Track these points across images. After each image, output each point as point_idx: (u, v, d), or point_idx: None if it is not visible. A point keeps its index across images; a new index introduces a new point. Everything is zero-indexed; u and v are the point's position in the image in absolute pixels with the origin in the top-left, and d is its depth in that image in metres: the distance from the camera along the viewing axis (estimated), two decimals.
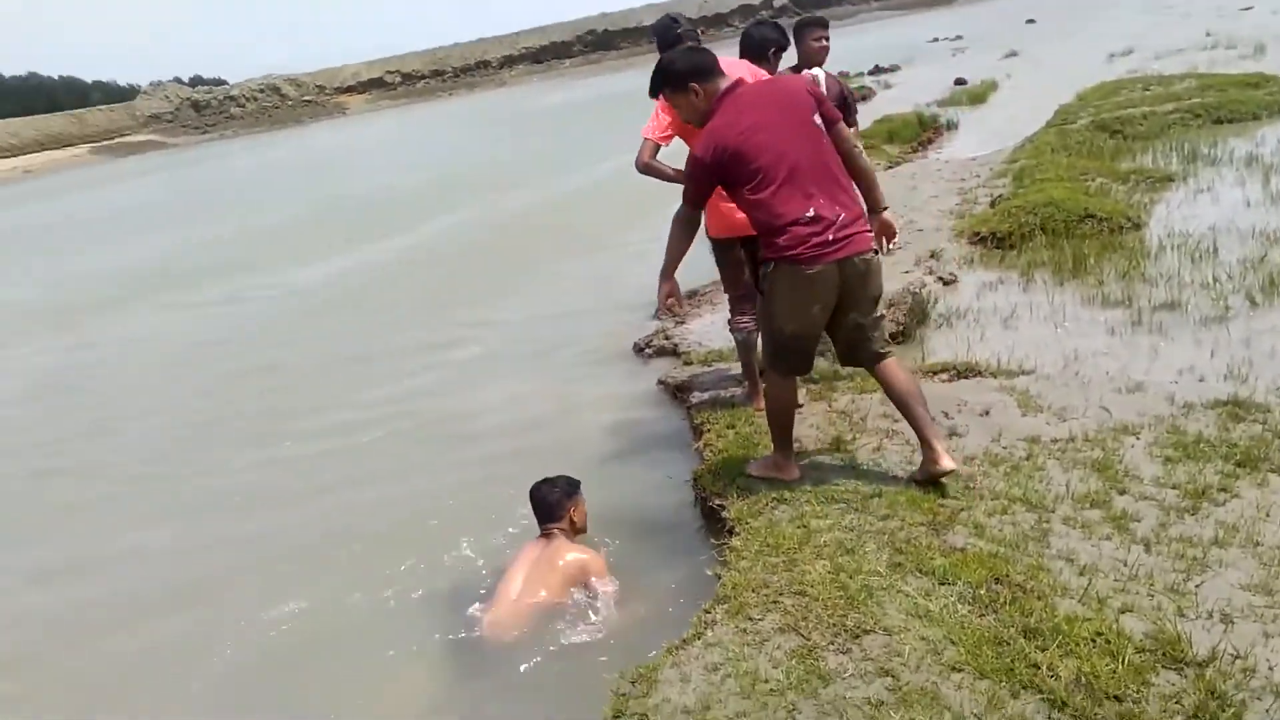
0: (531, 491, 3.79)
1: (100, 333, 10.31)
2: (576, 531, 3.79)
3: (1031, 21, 33.29)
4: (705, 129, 3.48)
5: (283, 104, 76.83)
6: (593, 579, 3.55)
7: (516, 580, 3.57)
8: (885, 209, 3.70)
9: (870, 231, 3.53)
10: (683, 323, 6.55)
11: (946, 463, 3.48)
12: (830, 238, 3.34)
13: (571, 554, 3.60)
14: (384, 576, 4.01)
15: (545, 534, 3.72)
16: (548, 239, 11.53)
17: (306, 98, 77.54)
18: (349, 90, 78.64)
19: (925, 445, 3.53)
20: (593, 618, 3.41)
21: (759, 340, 4.14)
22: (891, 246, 3.83)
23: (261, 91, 77.61)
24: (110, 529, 5.14)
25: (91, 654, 3.94)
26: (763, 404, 3.92)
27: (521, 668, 3.28)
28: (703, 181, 3.51)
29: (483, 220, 14.04)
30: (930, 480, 3.55)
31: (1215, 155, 8.56)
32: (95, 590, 4.48)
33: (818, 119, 3.43)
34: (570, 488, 3.80)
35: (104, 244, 18.95)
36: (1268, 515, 3.15)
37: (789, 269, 3.39)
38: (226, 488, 5.40)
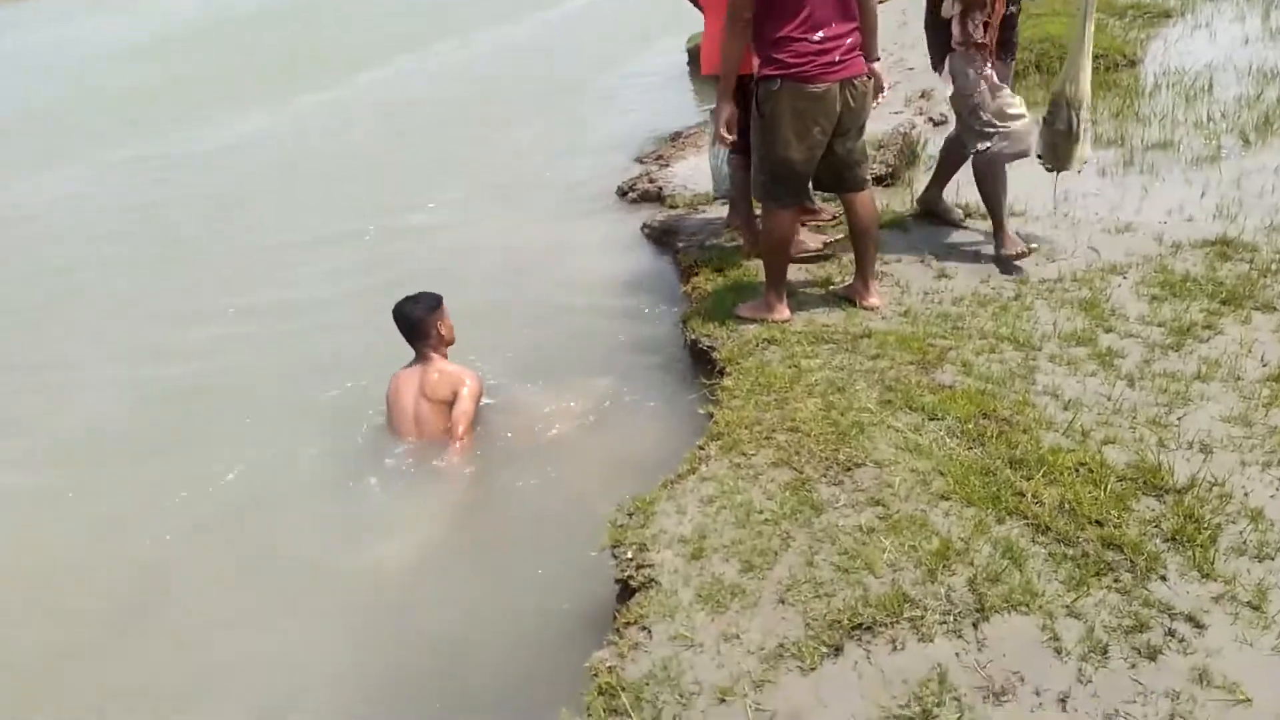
0: (394, 312, 3.75)
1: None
2: (445, 344, 3.81)
3: None
4: None
5: None
6: (462, 390, 3.67)
7: (408, 414, 3.70)
8: (878, 59, 3.69)
9: (862, 57, 3.54)
10: (667, 165, 6.40)
11: (872, 300, 3.82)
12: (836, 58, 3.36)
13: (444, 369, 3.74)
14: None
15: (420, 356, 3.77)
16: (507, 90, 10.97)
17: None
18: None
19: (860, 278, 3.84)
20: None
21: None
22: (879, 100, 3.82)
23: None
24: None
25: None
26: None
27: (518, 506, 3.37)
28: None
29: (428, 72, 13.25)
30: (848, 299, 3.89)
31: None
32: None
33: None
34: (433, 302, 3.76)
35: None
36: (1249, 351, 3.21)
37: (793, 87, 3.37)
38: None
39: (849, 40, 3.42)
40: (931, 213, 4.63)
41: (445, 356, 3.81)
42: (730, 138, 3.61)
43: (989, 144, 3.98)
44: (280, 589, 3.16)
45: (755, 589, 2.39)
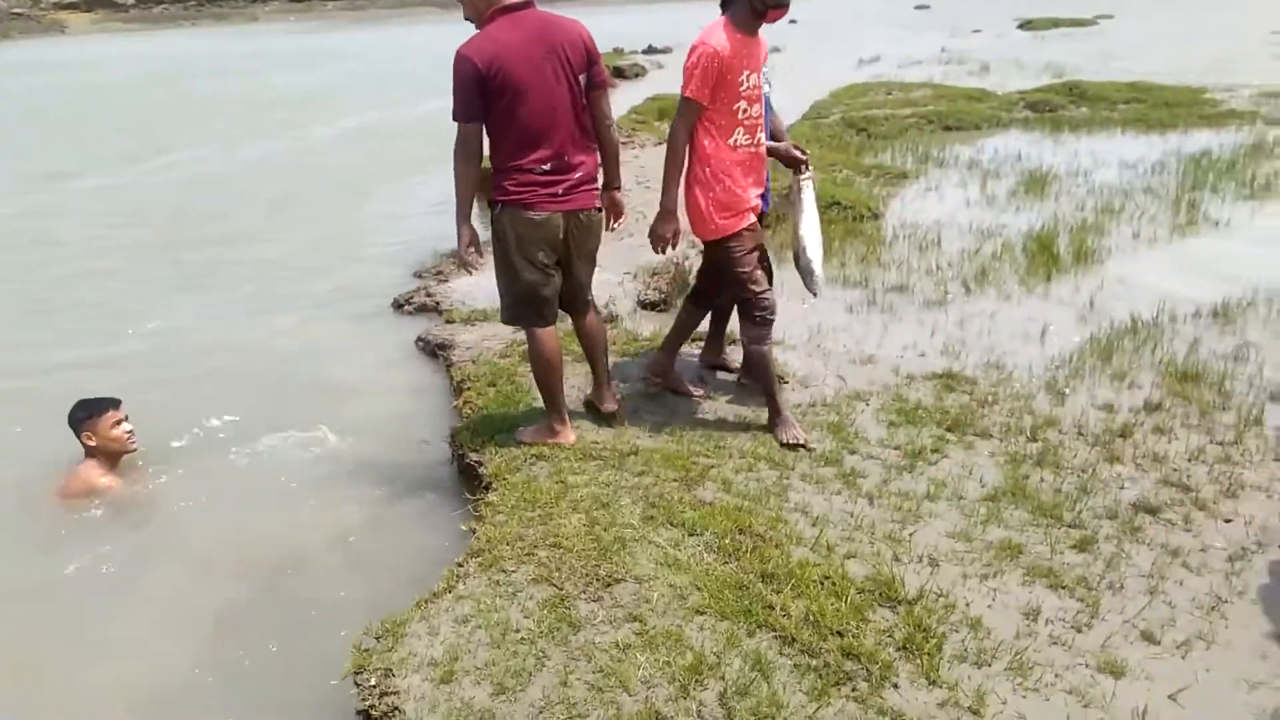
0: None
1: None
2: (99, 452, 4.01)
3: (794, 22, 35.29)
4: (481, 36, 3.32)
5: None
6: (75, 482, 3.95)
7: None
8: (617, 188, 3.76)
9: (596, 190, 3.62)
10: (446, 281, 6.37)
11: (609, 405, 3.98)
12: (559, 191, 3.43)
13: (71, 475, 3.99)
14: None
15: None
16: (287, 195, 10.68)
17: (16, 10, 67.45)
18: (69, 7, 69.24)
19: (597, 385, 4.00)
20: None
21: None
22: (615, 226, 3.87)
23: None
24: None
25: None
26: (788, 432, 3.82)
27: (259, 632, 3.08)
28: (473, 91, 3.27)
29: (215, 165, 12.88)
30: (592, 407, 4.05)
31: (943, 158, 9.49)
32: None
33: (582, 77, 3.42)
34: (79, 414, 4.01)
35: None
36: (970, 473, 3.54)
37: (513, 213, 3.43)
38: None
39: (579, 174, 3.46)
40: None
41: (102, 460, 4.00)
42: (468, 265, 3.59)
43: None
44: None
45: (507, 713, 2.29)
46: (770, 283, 3.97)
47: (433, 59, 24.40)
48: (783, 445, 3.76)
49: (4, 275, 7.40)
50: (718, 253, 3.88)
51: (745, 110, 3.68)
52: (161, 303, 6.55)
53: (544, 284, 3.54)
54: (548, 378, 3.73)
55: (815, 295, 4.28)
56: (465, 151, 3.35)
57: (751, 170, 3.82)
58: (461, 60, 3.24)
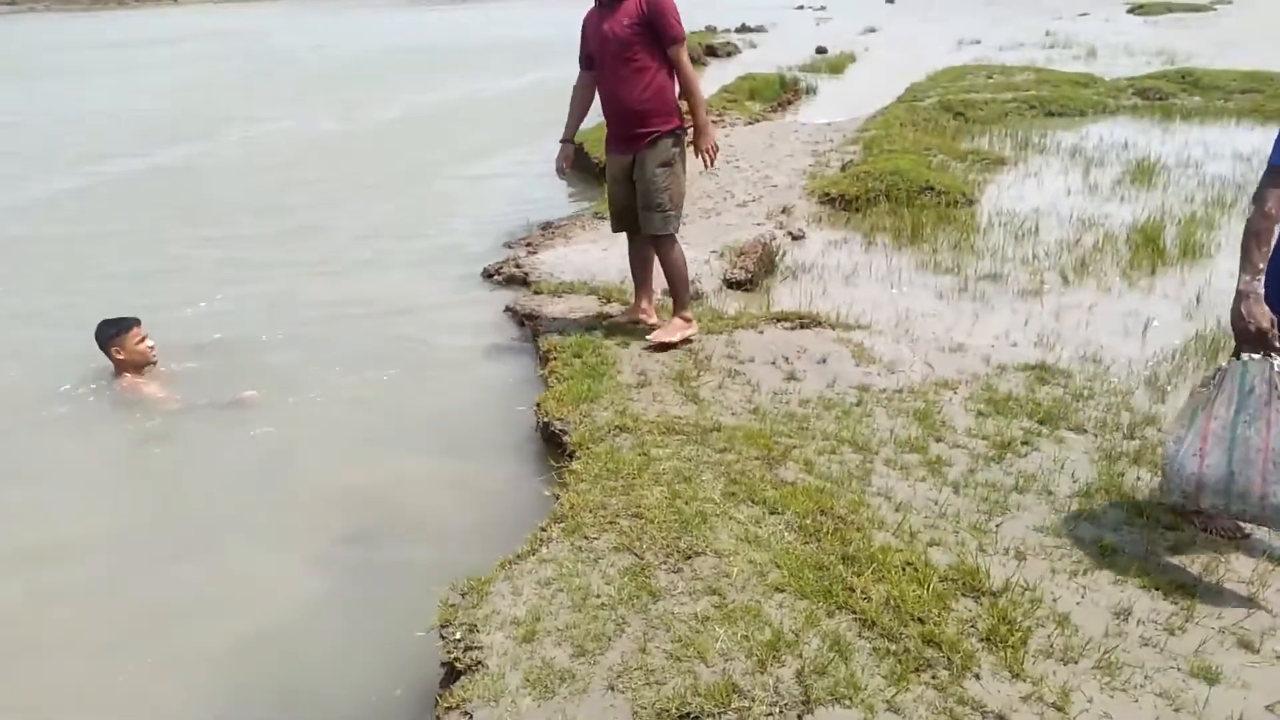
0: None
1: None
2: (128, 366, 4.53)
3: (891, 1, 34.46)
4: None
5: None
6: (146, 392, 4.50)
7: None
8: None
9: None
10: (535, 253, 6.45)
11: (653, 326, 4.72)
12: None
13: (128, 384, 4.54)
14: None
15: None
16: (389, 161, 10.98)
17: None
18: None
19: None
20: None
21: None
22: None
23: None
24: None
25: None
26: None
27: (352, 581, 3.21)
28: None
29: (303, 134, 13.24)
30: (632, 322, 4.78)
31: (1044, 144, 9.18)
32: None
33: None
34: (109, 330, 4.51)
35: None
36: (1062, 467, 3.45)
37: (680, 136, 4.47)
38: None
39: None
40: None
41: (134, 374, 4.53)
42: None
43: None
44: None
45: (585, 674, 2.33)
46: None
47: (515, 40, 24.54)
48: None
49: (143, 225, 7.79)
50: None
51: None
52: (264, 259, 6.82)
53: None
54: (686, 273, 4.62)
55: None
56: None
57: None
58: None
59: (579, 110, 4.68)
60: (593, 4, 4.43)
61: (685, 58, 4.35)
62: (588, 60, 4.55)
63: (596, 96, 4.58)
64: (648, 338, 4.53)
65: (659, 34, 4.24)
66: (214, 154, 11.42)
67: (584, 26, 4.51)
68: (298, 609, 3.10)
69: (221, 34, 33.22)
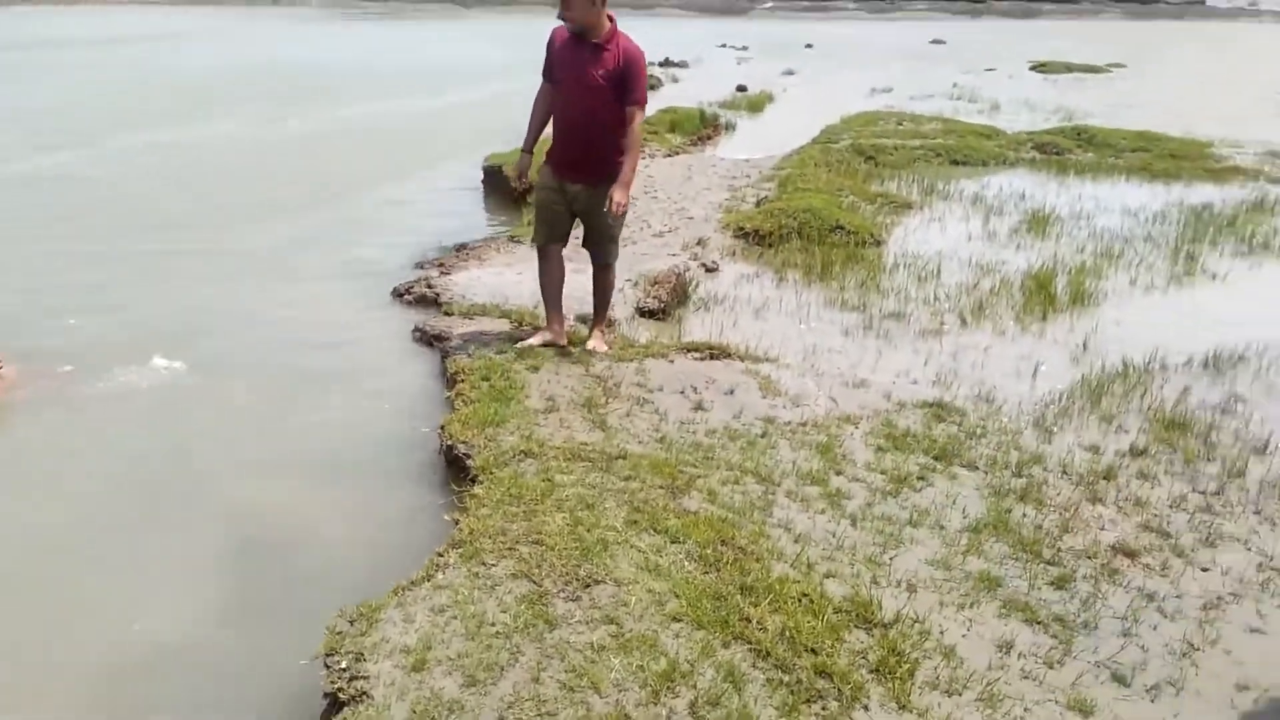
0: None
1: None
2: None
3: (809, 46, 35.50)
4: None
5: None
6: None
7: None
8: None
9: None
10: (447, 274, 6.38)
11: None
12: None
13: None
14: None
15: None
16: (300, 178, 10.76)
17: None
18: None
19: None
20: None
21: None
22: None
23: None
24: None
25: None
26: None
27: (238, 607, 3.08)
28: None
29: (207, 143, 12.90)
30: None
31: (949, 191, 9.54)
32: None
33: None
34: None
35: None
36: (954, 502, 3.56)
37: None
38: None
39: None
40: None
41: None
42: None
43: None
44: None
45: (475, 705, 2.29)
46: None
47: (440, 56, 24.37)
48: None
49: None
50: None
51: None
52: (175, 264, 6.55)
53: None
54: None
55: None
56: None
57: None
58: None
59: (539, 122, 4.75)
60: (564, 27, 4.49)
61: (639, 120, 4.52)
62: (549, 72, 4.63)
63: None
64: (588, 346, 4.80)
65: (626, 90, 4.44)
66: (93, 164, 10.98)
67: (551, 42, 4.59)
68: (177, 633, 2.95)
69: (117, 40, 32.03)
